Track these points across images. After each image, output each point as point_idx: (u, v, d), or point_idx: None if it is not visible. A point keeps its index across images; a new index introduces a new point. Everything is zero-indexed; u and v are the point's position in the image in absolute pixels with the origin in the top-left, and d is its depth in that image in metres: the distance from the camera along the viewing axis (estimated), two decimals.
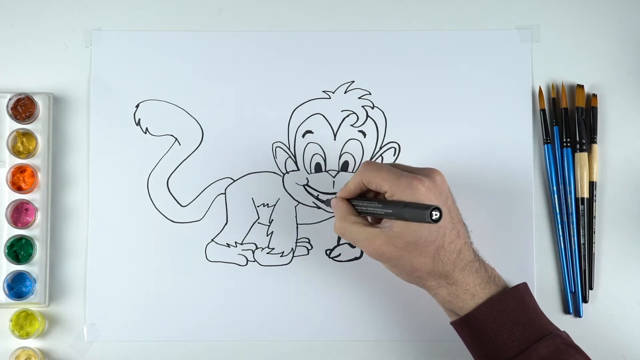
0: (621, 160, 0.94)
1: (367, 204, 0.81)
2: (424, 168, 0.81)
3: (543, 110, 0.94)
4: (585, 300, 0.92)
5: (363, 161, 0.82)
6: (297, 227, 0.94)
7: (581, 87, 0.95)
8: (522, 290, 0.82)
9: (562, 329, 0.81)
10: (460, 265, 0.79)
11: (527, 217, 0.93)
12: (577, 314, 0.92)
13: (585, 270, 0.92)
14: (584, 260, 0.92)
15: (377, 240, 0.79)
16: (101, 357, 0.92)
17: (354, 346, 0.92)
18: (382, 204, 0.78)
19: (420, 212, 0.73)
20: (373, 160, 0.94)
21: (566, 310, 0.92)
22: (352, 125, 0.95)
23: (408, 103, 0.95)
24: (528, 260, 0.93)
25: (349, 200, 0.83)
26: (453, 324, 0.83)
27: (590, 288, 0.92)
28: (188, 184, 0.94)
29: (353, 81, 0.95)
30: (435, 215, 0.72)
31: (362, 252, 0.93)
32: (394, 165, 0.81)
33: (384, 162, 0.94)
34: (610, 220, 0.94)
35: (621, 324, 0.92)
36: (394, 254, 0.79)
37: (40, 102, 0.93)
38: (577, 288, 0.92)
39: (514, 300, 0.80)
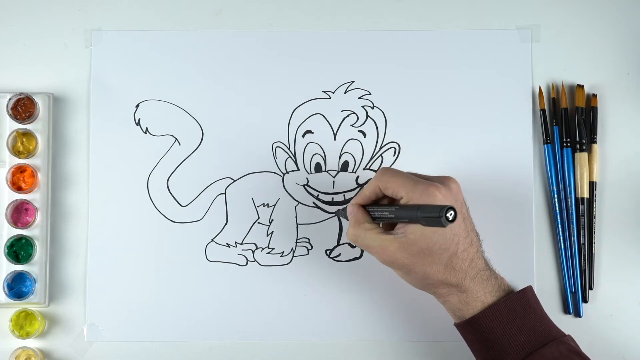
0: (621, 160, 0.94)
1: (382, 210, 0.81)
2: (440, 176, 0.81)
3: (543, 110, 0.94)
4: (585, 300, 0.92)
5: (380, 167, 0.82)
6: (297, 227, 0.94)
7: (581, 87, 0.95)
8: (529, 294, 0.82)
9: (562, 330, 0.81)
10: (471, 274, 0.80)
11: (527, 217, 0.93)
12: (577, 314, 0.92)
13: (585, 270, 0.92)
14: (584, 260, 0.92)
15: (391, 247, 0.79)
16: (101, 357, 0.92)
17: (354, 346, 0.92)
18: (396, 209, 0.78)
19: (434, 212, 0.73)
20: (373, 160, 0.94)
21: (566, 310, 0.92)
22: (352, 125, 0.95)
23: (408, 103, 0.95)
24: (528, 260, 0.92)
25: (364, 206, 0.83)
26: (457, 325, 0.83)
27: (590, 288, 0.92)
28: (188, 184, 0.94)
29: (353, 81, 0.95)
30: (450, 215, 0.72)
31: (362, 252, 0.93)
32: (411, 174, 0.81)
33: (384, 162, 0.94)
34: (610, 220, 0.94)
35: (621, 324, 0.92)
36: (407, 261, 0.79)
37: (40, 102, 0.93)
38: (577, 288, 0.92)
39: (520, 305, 0.80)
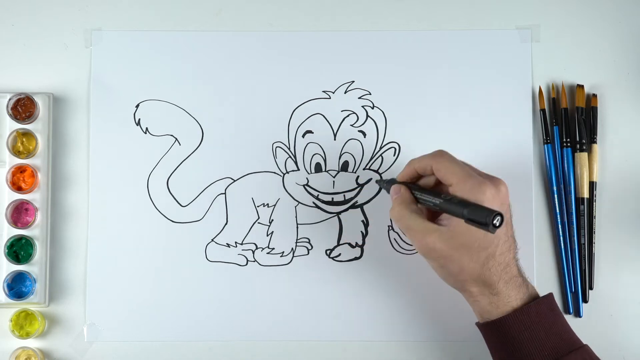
0: (621, 160, 0.94)
1: (428, 196, 0.80)
2: (492, 176, 0.80)
3: (543, 110, 0.94)
4: (585, 300, 0.92)
5: (438, 149, 0.82)
6: (297, 227, 0.94)
7: (581, 87, 0.95)
8: (553, 301, 0.82)
9: None
10: (505, 278, 0.79)
11: (527, 217, 0.93)
12: (577, 314, 0.92)
13: (585, 270, 0.92)
14: (584, 260, 0.92)
15: (433, 235, 0.78)
16: (101, 357, 0.92)
17: (354, 346, 0.92)
18: (443, 201, 0.78)
19: (482, 217, 0.72)
20: (373, 160, 0.94)
21: (566, 310, 0.92)
22: (352, 125, 0.95)
23: (408, 103, 0.95)
24: (528, 260, 0.92)
25: (410, 188, 0.83)
26: (481, 325, 0.83)
27: (590, 288, 0.92)
28: (188, 184, 0.94)
29: (353, 81, 0.95)
30: (497, 221, 0.72)
31: (362, 252, 0.93)
32: (465, 164, 0.81)
33: (384, 162, 0.94)
34: (610, 220, 0.94)
35: (621, 324, 0.92)
36: (445, 252, 0.78)
37: (40, 102, 0.93)
38: (577, 288, 0.92)
39: (549, 309, 0.81)
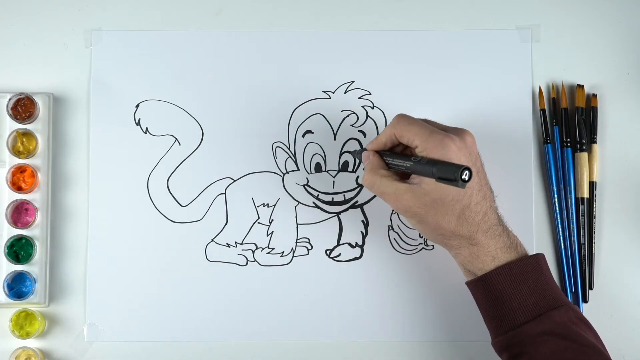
0: (621, 160, 0.94)
1: (397, 160, 0.81)
2: (456, 127, 0.81)
3: (543, 110, 0.94)
4: (585, 300, 0.92)
5: (397, 113, 0.82)
6: (297, 227, 0.94)
7: (581, 87, 0.95)
8: (541, 260, 0.83)
9: None
10: (483, 228, 0.80)
11: (527, 217, 0.93)
12: None
13: (585, 270, 0.92)
14: (584, 260, 0.92)
15: (405, 195, 0.79)
16: (101, 357, 0.92)
17: (354, 346, 0.92)
18: (412, 160, 0.79)
19: (450, 172, 0.73)
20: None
21: None
22: (352, 125, 0.95)
23: (408, 103, 0.95)
24: None
25: (379, 154, 0.84)
26: (469, 283, 0.84)
27: (591, 288, 0.92)
28: (188, 184, 0.94)
29: (353, 81, 0.95)
30: (465, 175, 0.73)
31: (362, 252, 0.93)
32: (426, 121, 0.82)
33: None
34: (610, 220, 0.94)
35: (621, 324, 0.92)
36: (420, 210, 0.79)
37: (40, 102, 0.93)
38: (577, 288, 0.92)
39: (533, 268, 0.81)
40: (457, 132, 0.80)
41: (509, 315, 0.80)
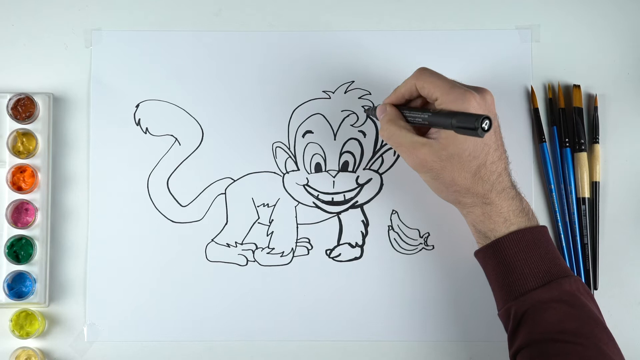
0: (622, 160, 0.94)
1: (416, 114, 0.81)
2: (476, 86, 0.82)
3: (537, 110, 0.94)
4: None
5: (419, 67, 0.83)
6: (297, 227, 0.94)
7: (578, 87, 0.95)
8: (547, 232, 0.83)
9: None
10: (498, 188, 0.81)
11: None
12: None
13: (589, 270, 0.92)
14: (588, 260, 0.92)
15: (423, 149, 0.80)
16: (101, 357, 0.92)
17: (354, 346, 0.92)
18: (430, 115, 0.79)
19: (470, 122, 0.73)
20: (373, 160, 0.94)
21: None
22: (352, 125, 0.95)
23: None
24: None
25: (398, 108, 0.84)
26: (478, 252, 0.84)
27: (595, 288, 0.92)
28: (188, 184, 0.94)
29: (353, 81, 0.95)
30: (485, 125, 0.73)
31: (362, 252, 0.93)
32: (450, 79, 0.82)
33: (384, 163, 0.94)
34: (613, 220, 0.93)
35: (621, 324, 0.92)
36: (437, 165, 0.80)
37: (40, 102, 0.93)
38: None
39: (543, 237, 0.82)
40: (477, 90, 0.81)
41: (519, 281, 0.80)
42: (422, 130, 0.84)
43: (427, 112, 0.80)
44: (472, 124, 0.73)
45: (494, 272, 0.83)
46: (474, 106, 0.78)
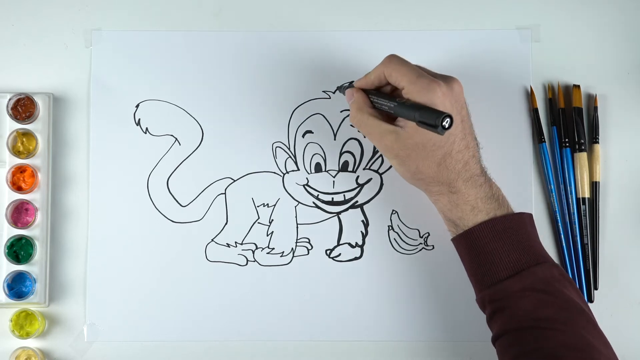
0: (622, 160, 0.94)
1: (382, 100, 0.82)
2: (445, 75, 0.82)
3: (536, 110, 0.94)
4: (590, 300, 0.92)
5: (389, 54, 0.83)
6: (297, 227, 0.94)
7: (577, 87, 0.95)
8: (526, 219, 0.83)
9: None
10: (464, 177, 0.81)
11: None
12: None
13: (589, 270, 0.92)
14: (588, 260, 0.92)
15: (389, 136, 0.81)
16: (101, 357, 0.92)
17: (354, 346, 0.92)
18: (396, 105, 0.80)
19: (431, 117, 0.75)
20: (373, 160, 0.94)
21: None
22: (352, 125, 0.94)
23: None
24: None
25: (365, 92, 0.85)
26: (454, 240, 0.84)
27: (595, 288, 0.92)
28: (188, 184, 0.94)
29: (353, 81, 0.95)
30: (446, 123, 0.74)
31: (362, 252, 0.93)
32: (419, 67, 0.83)
33: (384, 163, 0.94)
34: (613, 220, 0.93)
35: (621, 324, 0.92)
36: (402, 152, 0.80)
37: (40, 102, 0.93)
38: (581, 288, 0.92)
39: (517, 224, 0.82)
40: (445, 79, 0.81)
41: (490, 271, 0.80)
42: (391, 115, 0.84)
43: (394, 101, 0.81)
44: (434, 121, 0.74)
45: (466, 260, 0.83)
46: (438, 96, 0.78)
